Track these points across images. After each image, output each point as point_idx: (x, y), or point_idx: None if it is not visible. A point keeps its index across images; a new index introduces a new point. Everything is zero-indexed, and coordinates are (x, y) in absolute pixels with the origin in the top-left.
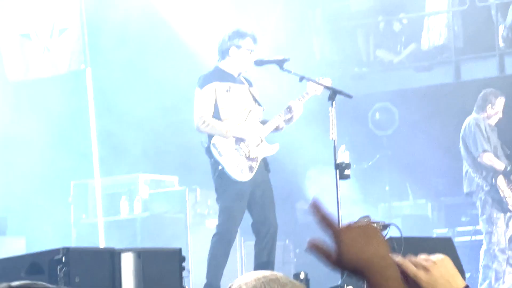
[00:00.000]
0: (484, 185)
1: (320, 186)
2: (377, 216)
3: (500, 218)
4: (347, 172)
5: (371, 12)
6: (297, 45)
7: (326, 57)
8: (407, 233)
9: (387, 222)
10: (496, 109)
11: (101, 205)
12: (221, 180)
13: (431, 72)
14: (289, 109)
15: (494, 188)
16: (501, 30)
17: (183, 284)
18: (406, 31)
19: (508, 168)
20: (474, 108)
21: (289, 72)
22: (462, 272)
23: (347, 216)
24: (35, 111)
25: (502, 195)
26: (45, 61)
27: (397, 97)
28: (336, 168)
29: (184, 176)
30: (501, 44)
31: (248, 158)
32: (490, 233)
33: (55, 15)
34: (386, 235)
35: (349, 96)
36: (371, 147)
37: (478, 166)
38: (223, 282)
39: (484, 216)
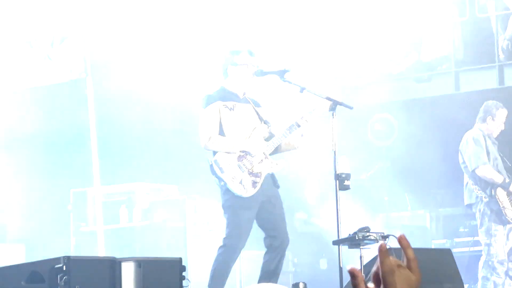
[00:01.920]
0: (483, 197)
1: (319, 196)
2: (376, 226)
3: (499, 230)
4: (347, 182)
5: (371, 22)
6: (298, 56)
7: (326, 68)
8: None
9: (386, 233)
10: (497, 121)
11: (101, 214)
12: (227, 196)
13: (431, 83)
14: (295, 126)
15: (493, 200)
16: (501, 42)
17: None
18: (407, 42)
19: (507, 180)
20: (476, 120)
21: (290, 82)
22: (460, 283)
23: (346, 227)
24: (35, 119)
25: (501, 206)
26: (46, 69)
27: (397, 108)
28: (336, 179)
29: (184, 185)
30: (501, 55)
31: (252, 174)
32: (489, 245)
33: (56, 24)
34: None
35: (349, 107)
36: (370, 157)
37: (477, 179)
38: None
39: (483, 228)
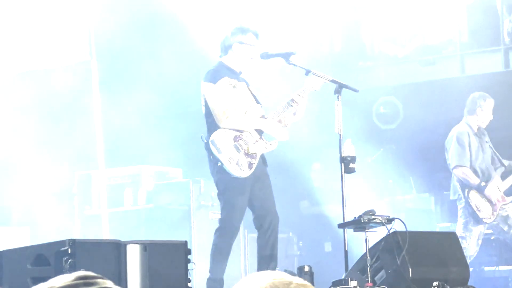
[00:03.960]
0: (463, 195)
1: (324, 179)
2: (381, 210)
3: (474, 228)
4: (352, 165)
5: (377, 5)
6: (303, 39)
7: (331, 51)
8: (410, 227)
9: (391, 216)
10: (486, 112)
11: (106, 196)
12: (221, 175)
13: (436, 66)
14: (288, 105)
15: (467, 201)
16: (506, 25)
17: (188, 276)
18: (412, 25)
19: (483, 184)
20: (464, 113)
21: (295, 65)
22: (466, 267)
23: (351, 210)
24: (40, 101)
25: (474, 208)
26: (51, 52)
27: (402, 91)
28: (341, 162)
29: (188, 168)
30: (506, 38)
31: (247, 155)
32: (463, 238)
33: (60, 6)
34: (390, 229)
35: (354, 90)
36: (375, 141)
37: (457, 177)
38: (227, 274)
39: (462, 221)
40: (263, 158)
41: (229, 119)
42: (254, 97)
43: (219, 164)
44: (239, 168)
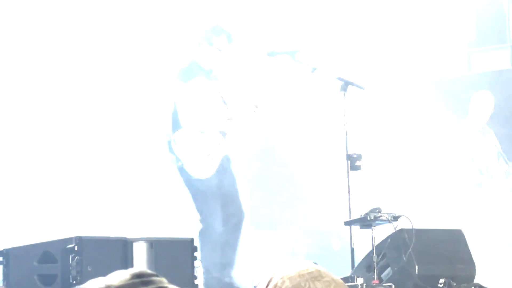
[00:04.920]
0: None
1: (330, 176)
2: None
3: None
4: (358, 163)
5: (382, 2)
6: (309, 36)
7: (339, 48)
8: (417, 225)
9: (397, 213)
10: (485, 109)
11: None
12: (185, 177)
13: (443, 64)
14: (254, 108)
15: None
16: None
17: (195, 273)
18: (418, 23)
19: (485, 181)
20: (468, 111)
21: (301, 63)
22: (472, 264)
23: (358, 208)
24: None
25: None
26: None
27: (408, 89)
28: (347, 159)
29: None
30: None
31: (209, 155)
32: None
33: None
34: (396, 227)
35: (361, 88)
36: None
37: None
38: (236, 270)
39: None
40: (227, 158)
41: (193, 119)
42: (222, 98)
43: (179, 163)
44: (200, 168)
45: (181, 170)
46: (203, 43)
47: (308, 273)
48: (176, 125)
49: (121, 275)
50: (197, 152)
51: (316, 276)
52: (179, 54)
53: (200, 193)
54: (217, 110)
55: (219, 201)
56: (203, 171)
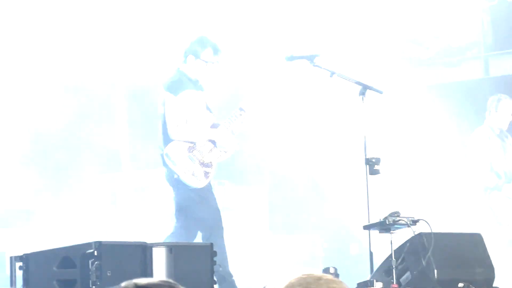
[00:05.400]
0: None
1: (349, 180)
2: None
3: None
4: (377, 167)
5: (400, 7)
6: (327, 41)
7: (356, 53)
8: (436, 229)
9: (416, 217)
10: (503, 113)
11: (130, 199)
12: (181, 189)
13: (460, 68)
14: (239, 111)
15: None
16: None
17: (214, 278)
18: (436, 27)
19: (503, 185)
20: (486, 115)
21: (320, 67)
22: (491, 268)
23: (376, 212)
24: (62, 104)
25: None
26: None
27: (426, 93)
28: (366, 163)
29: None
30: None
31: (203, 164)
32: None
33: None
34: (415, 231)
35: (379, 92)
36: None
37: None
38: (253, 274)
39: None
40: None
41: (180, 132)
42: (207, 105)
43: (175, 176)
44: (195, 178)
45: (178, 181)
46: (190, 57)
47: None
48: (166, 139)
49: (149, 279)
50: (190, 162)
51: (311, 282)
52: (167, 64)
53: (195, 201)
54: (204, 121)
55: (201, 209)
56: (199, 179)
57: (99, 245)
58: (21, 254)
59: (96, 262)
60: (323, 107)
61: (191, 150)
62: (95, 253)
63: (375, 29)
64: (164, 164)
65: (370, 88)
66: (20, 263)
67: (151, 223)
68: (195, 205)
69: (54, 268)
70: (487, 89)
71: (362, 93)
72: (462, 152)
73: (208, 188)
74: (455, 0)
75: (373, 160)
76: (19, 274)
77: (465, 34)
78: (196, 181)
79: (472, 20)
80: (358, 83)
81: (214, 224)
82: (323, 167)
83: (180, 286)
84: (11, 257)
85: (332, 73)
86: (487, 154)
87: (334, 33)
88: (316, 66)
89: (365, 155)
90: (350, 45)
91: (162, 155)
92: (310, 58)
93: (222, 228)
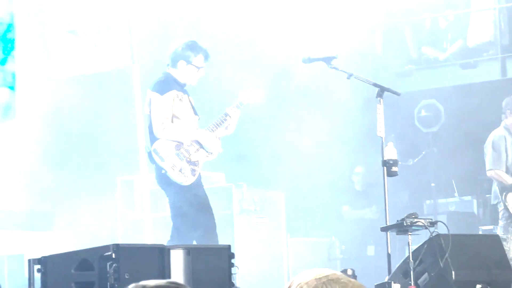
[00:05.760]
0: (501, 198)
1: (367, 182)
2: (423, 213)
3: None
4: (394, 169)
5: (418, 9)
6: (345, 42)
7: (373, 54)
8: (453, 230)
9: (433, 219)
10: None
11: (149, 201)
12: (167, 183)
13: (477, 69)
14: (225, 116)
15: (505, 204)
16: None
17: (232, 280)
18: (452, 28)
19: None
20: (502, 116)
21: (337, 69)
22: (509, 269)
23: (394, 213)
24: (82, 107)
25: (511, 212)
26: (92, 58)
27: (443, 94)
28: (383, 165)
29: (231, 173)
30: None
31: (190, 162)
32: (504, 240)
33: (101, 12)
34: (433, 232)
35: (396, 94)
36: (417, 144)
37: (496, 181)
38: (270, 277)
39: (502, 223)
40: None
41: (166, 130)
42: (193, 108)
43: (163, 171)
44: (182, 175)
45: (167, 181)
46: (181, 62)
47: (324, 276)
48: (153, 138)
49: (157, 280)
50: (178, 159)
51: (333, 279)
52: (156, 65)
53: (183, 198)
54: (190, 121)
55: (194, 209)
56: (186, 176)
57: (117, 247)
58: (39, 256)
59: (114, 265)
60: (341, 109)
61: (178, 148)
62: (113, 255)
63: (392, 30)
64: (152, 160)
65: (388, 90)
66: (38, 266)
67: (169, 225)
68: (189, 205)
69: (72, 271)
70: (504, 90)
71: (380, 95)
72: (478, 152)
73: (198, 184)
74: (472, 1)
75: (391, 162)
76: (37, 276)
77: (482, 35)
78: (184, 178)
79: (488, 21)
80: (376, 85)
81: (208, 223)
82: (340, 168)
83: (187, 287)
84: (29, 260)
85: (350, 75)
86: (503, 154)
87: (353, 34)
88: (333, 68)
89: (383, 157)
90: (368, 46)
91: (149, 153)
92: (327, 60)
93: (215, 225)
